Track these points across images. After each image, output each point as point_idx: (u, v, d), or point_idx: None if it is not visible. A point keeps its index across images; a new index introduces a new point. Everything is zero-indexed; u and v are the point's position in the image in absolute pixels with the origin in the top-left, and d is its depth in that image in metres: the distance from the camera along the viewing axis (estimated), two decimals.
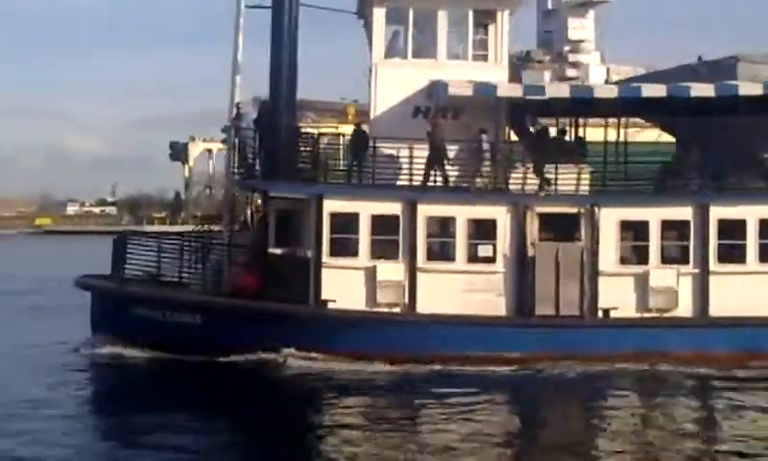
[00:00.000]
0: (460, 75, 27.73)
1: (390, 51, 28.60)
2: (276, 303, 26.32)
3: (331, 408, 22.90)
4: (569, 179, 27.21)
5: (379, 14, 28.24)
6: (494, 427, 21.04)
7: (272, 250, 27.58)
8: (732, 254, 27.04)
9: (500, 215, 26.61)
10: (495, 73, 28.03)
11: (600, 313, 26.41)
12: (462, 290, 26.39)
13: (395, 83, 27.92)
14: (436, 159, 26.72)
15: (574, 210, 26.79)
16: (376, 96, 28.22)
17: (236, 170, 28.23)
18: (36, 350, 28.72)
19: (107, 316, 28.52)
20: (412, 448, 19.11)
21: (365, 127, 28.47)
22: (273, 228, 27.79)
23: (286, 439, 20.54)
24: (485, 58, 28.55)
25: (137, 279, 29.02)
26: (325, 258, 26.53)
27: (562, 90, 27.91)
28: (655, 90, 27.42)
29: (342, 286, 26.37)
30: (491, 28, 28.39)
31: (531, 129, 27.42)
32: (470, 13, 28.30)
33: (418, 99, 27.92)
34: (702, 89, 26.70)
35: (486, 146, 26.81)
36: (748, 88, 26.75)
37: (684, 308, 26.51)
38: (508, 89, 27.09)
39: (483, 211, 26.70)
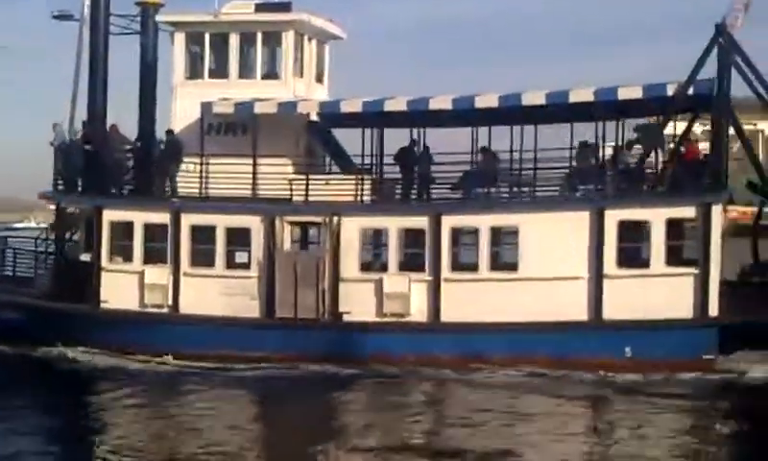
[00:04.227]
0: (247, 93, 29.99)
1: (192, 71, 31.10)
2: (67, 303, 29.61)
3: (96, 397, 25.77)
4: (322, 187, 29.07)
5: (179, 38, 30.87)
6: (235, 418, 23.72)
7: (82, 256, 30.98)
8: (465, 262, 28.14)
9: (254, 224, 28.74)
10: (280, 91, 30.10)
11: (337, 317, 28.12)
12: (221, 293, 28.75)
13: (192, 102, 30.20)
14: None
15: (319, 219, 28.60)
16: (176, 114, 30.77)
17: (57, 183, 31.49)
18: None
19: None
20: (169, 434, 21.99)
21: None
22: (82, 236, 31.20)
23: (54, 422, 23.61)
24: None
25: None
26: (104, 263, 29.59)
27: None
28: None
29: (118, 288, 29.37)
30: (279, 49, 30.55)
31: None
32: (259, 36, 30.48)
33: (209, 117, 30.23)
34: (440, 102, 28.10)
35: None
36: None
37: (417, 314, 27.80)
38: (262, 107, 29.13)
39: (240, 220, 28.92)
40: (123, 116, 32.99)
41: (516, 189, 29.74)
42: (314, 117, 30.69)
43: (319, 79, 32.00)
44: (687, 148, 28.55)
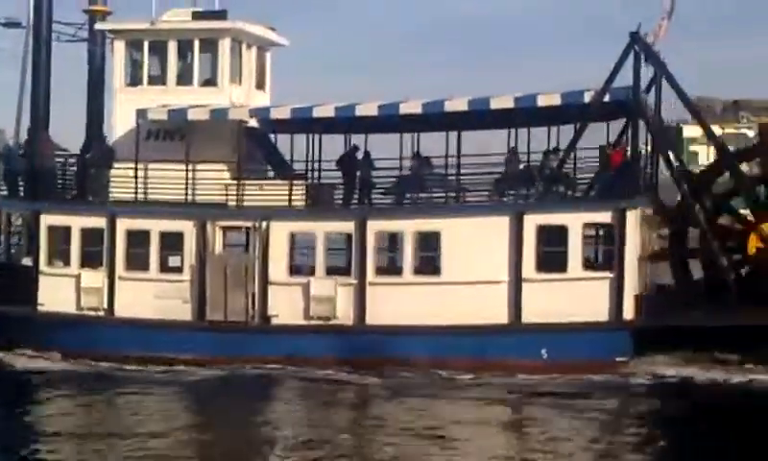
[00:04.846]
0: (186, 100, 30.52)
1: (132, 78, 31.65)
2: (6, 306, 30.17)
3: (29, 400, 26.27)
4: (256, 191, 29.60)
5: (120, 46, 31.43)
6: (166, 420, 24.03)
7: (24, 259, 31.64)
8: (390, 266, 28.68)
9: (187, 228, 29.33)
10: (218, 98, 30.63)
11: (266, 320, 28.69)
12: (155, 296, 29.35)
13: (132, 108, 30.68)
14: None
15: (249, 224, 29.16)
16: (117, 120, 31.36)
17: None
18: None
19: None
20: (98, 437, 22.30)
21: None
22: (26, 241, 31.87)
23: None
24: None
25: None
26: (43, 267, 30.21)
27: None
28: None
29: (56, 292, 29.97)
30: (217, 56, 31.03)
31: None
32: (197, 43, 31.04)
33: (146, 123, 30.77)
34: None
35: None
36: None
37: (344, 317, 28.36)
38: (195, 114, 29.72)
39: (173, 225, 29.50)
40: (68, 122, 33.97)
41: (452, 194, 30.24)
42: (253, 123, 31.27)
43: (260, 86, 32.53)
44: (612, 154, 28.99)
